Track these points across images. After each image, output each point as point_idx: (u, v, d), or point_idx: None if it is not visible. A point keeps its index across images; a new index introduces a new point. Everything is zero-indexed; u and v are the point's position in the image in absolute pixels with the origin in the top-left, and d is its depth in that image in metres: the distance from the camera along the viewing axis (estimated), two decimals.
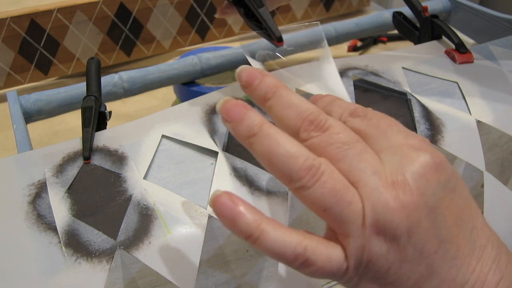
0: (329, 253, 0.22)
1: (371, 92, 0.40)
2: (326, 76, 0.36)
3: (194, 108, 0.37)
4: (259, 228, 0.21)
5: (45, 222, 0.29)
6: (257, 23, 0.38)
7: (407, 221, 0.21)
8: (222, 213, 0.22)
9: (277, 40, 0.36)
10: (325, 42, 0.37)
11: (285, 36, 0.36)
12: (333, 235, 0.23)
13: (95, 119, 0.35)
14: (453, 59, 0.44)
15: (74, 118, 0.54)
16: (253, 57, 0.38)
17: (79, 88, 0.48)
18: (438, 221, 0.22)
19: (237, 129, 0.23)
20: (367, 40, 0.71)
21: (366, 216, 0.22)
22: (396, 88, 0.40)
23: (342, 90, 0.35)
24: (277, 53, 0.37)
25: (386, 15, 0.64)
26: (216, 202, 0.22)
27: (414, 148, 0.23)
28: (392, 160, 0.23)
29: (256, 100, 0.26)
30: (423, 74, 0.42)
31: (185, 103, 0.38)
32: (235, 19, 0.72)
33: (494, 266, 0.22)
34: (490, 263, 0.22)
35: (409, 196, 0.21)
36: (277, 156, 0.22)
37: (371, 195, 0.22)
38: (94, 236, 0.28)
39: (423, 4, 0.51)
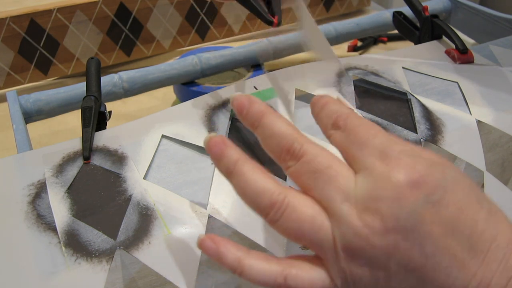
0: (311, 277, 0.24)
1: (371, 92, 0.40)
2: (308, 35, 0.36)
3: (194, 108, 0.37)
4: (241, 263, 0.24)
5: (45, 222, 0.29)
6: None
7: (381, 245, 0.21)
8: (208, 253, 0.24)
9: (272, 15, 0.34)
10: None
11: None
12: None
13: (95, 119, 0.35)
14: (453, 59, 0.44)
15: (74, 118, 0.54)
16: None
17: (79, 88, 0.48)
18: (421, 238, 0.21)
19: (219, 166, 0.25)
20: (367, 40, 0.71)
21: (337, 242, 0.22)
22: (396, 88, 0.40)
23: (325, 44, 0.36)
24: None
25: (386, 15, 0.64)
26: (201, 246, 0.24)
27: (390, 167, 0.22)
28: (365, 184, 0.22)
29: (248, 127, 0.27)
30: (423, 74, 0.42)
31: (185, 103, 0.38)
32: (235, 19, 0.72)
33: (500, 268, 0.22)
34: (496, 266, 0.22)
35: (380, 222, 0.21)
36: (248, 193, 0.24)
37: (340, 224, 0.22)
38: (94, 236, 0.28)
39: (423, 4, 0.51)
